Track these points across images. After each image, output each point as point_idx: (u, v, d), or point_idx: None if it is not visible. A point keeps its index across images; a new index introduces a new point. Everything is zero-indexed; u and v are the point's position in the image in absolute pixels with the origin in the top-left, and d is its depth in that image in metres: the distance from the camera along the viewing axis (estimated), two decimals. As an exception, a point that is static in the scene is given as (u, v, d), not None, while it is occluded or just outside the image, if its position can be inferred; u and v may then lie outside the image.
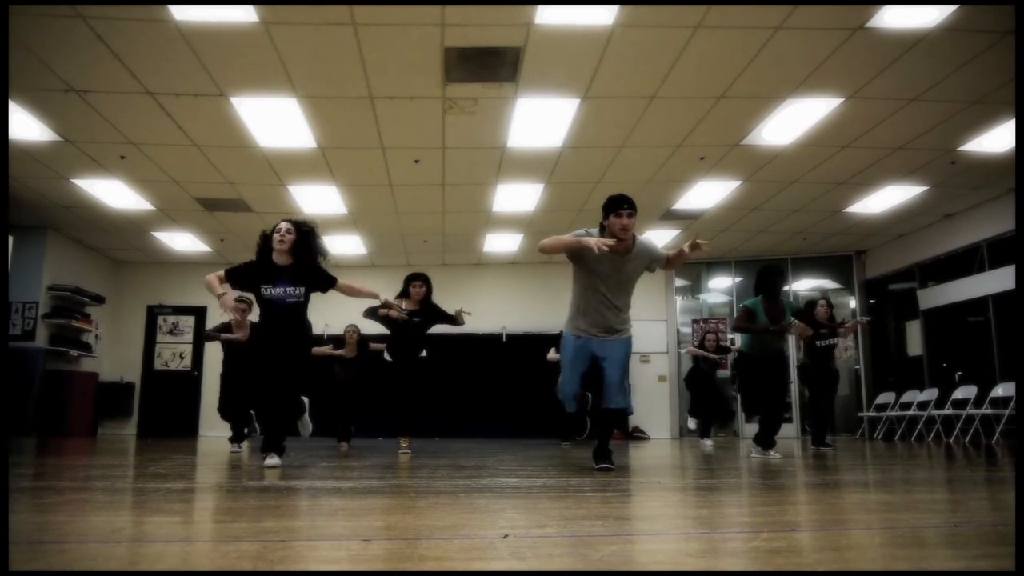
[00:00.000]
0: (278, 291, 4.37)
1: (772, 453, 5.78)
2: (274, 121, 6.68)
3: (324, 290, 4.63)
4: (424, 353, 6.41)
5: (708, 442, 8.43)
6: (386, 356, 6.40)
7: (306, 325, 4.56)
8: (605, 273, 4.15)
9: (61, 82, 5.87)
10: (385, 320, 6.25)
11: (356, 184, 8.51)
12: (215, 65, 5.66)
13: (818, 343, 7.09)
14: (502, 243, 11.16)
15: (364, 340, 7.54)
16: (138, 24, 5.06)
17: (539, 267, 12.16)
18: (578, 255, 4.13)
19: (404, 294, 6.37)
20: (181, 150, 7.36)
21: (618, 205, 4.04)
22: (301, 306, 4.48)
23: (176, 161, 7.69)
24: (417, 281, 6.35)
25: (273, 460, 4.31)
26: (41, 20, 4.96)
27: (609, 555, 1.65)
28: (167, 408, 11.88)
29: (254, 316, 5.79)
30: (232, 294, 4.29)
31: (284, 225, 4.47)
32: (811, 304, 7.11)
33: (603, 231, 4.13)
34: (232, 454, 6.17)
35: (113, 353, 11.97)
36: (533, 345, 10.85)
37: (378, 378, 6.54)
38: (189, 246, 11.20)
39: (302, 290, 4.45)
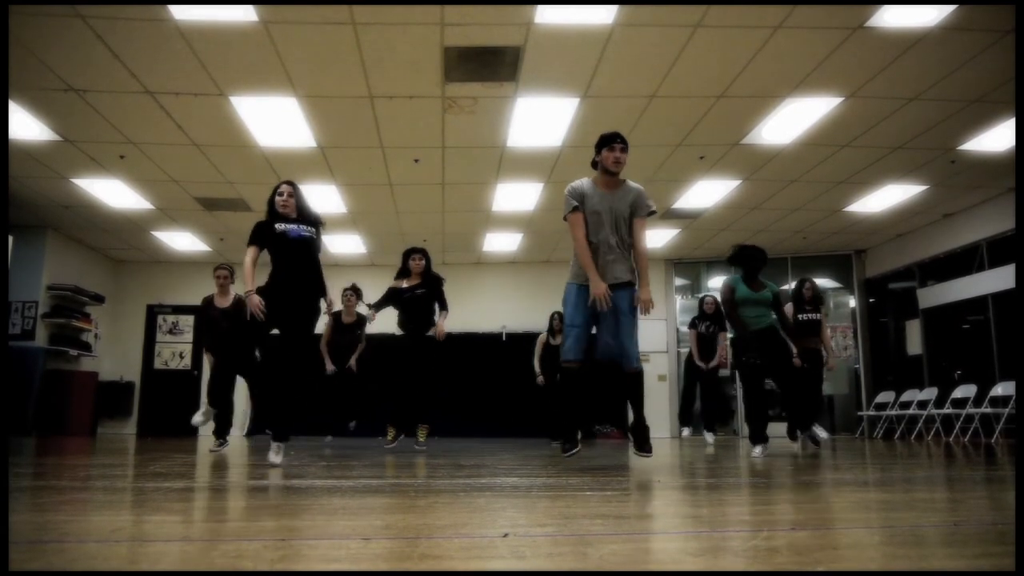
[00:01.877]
0: (291, 226, 4.46)
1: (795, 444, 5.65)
2: (274, 120, 6.69)
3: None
4: (432, 330, 6.35)
5: (709, 437, 8.42)
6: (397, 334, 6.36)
7: (319, 265, 4.56)
8: (601, 213, 4.22)
9: (60, 81, 5.87)
10: (394, 299, 6.27)
11: (356, 183, 8.51)
12: (214, 64, 5.66)
13: (800, 316, 7.10)
14: (502, 242, 11.16)
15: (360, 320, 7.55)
16: (137, 23, 5.06)
17: (539, 266, 12.16)
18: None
19: (404, 271, 6.38)
20: (181, 149, 7.36)
21: (611, 140, 4.16)
22: (314, 242, 4.53)
23: (176, 160, 7.69)
24: (416, 254, 6.39)
25: (278, 458, 4.28)
26: (40, 19, 4.96)
27: (609, 554, 1.65)
28: (167, 407, 11.86)
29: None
30: (257, 298, 4.32)
31: (286, 188, 4.53)
32: (798, 286, 7.20)
33: (595, 167, 4.25)
34: (212, 452, 5.90)
35: (113, 352, 11.98)
36: (533, 344, 10.84)
37: (386, 361, 6.47)
38: (189, 245, 11.20)
39: (313, 230, 4.53)
